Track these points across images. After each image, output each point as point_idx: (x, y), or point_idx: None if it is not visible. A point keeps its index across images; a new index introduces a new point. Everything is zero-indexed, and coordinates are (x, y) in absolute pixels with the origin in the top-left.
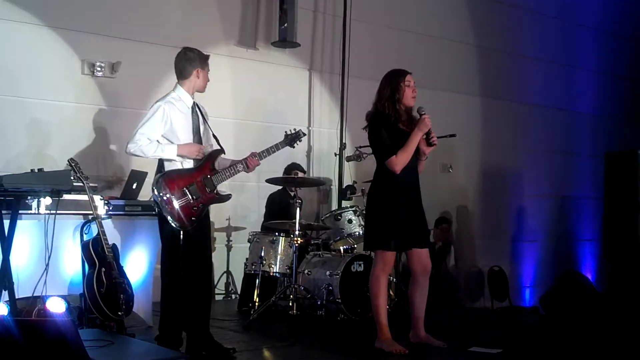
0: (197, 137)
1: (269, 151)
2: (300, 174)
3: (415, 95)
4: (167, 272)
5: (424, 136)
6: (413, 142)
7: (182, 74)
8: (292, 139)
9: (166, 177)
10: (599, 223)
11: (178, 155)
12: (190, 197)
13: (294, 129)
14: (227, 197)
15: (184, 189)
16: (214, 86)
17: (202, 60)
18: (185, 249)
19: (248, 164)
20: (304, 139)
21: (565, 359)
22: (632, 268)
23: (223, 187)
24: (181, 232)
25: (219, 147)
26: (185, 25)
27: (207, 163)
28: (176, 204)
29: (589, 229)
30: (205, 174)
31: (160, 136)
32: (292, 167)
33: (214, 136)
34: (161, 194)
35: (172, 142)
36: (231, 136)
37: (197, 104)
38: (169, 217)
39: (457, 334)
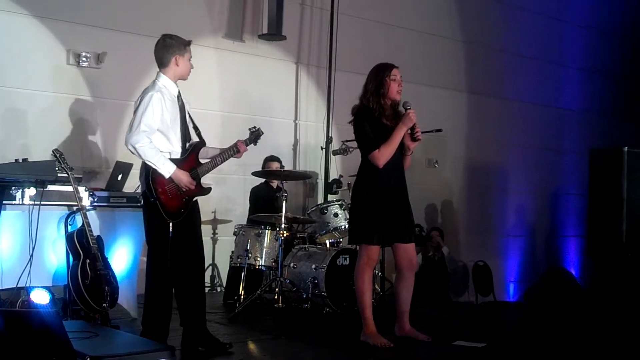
0: (184, 127)
1: (246, 142)
2: (277, 165)
3: (400, 90)
4: (154, 266)
5: (409, 131)
6: (397, 136)
7: (161, 63)
8: (256, 135)
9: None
10: (583, 219)
11: (170, 177)
12: (179, 189)
13: (255, 127)
14: (208, 190)
15: (173, 180)
16: (201, 78)
17: (180, 46)
18: (175, 241)
19: (239, 148)
20: (291, 131)
21: (549, 353)
22: (615, 264)
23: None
24: (170, 225)
25: (199, 139)
26: (172, 16)
27: (192, 155)
28: (166, 195)
29: (573, 225)
30: (191, 165)
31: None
32: (268, 160)
33: (195, 127)
34: (155, 185)
35: (163, 134)
36: (218, 128)
37: (180, 93)
38: (160, 209)
39: (441, 328)
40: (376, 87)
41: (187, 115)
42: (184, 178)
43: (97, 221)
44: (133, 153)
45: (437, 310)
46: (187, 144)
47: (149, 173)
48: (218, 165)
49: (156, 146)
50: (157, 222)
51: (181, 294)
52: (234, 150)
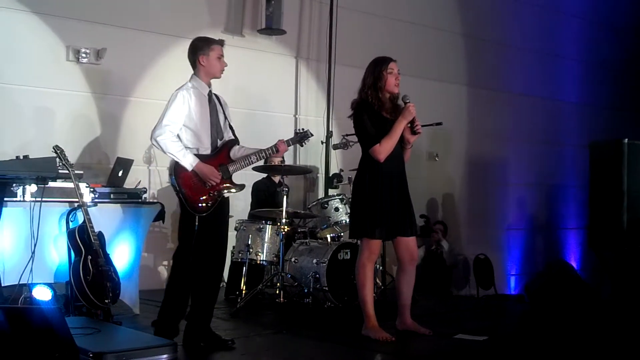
0: (216, 126)
1: (289, 142)
2: (279, 159)
3: (398, 83)
4: (176, 258)
5: (409, 124)
6: (397, 130)
7: (192, 65)
8: (301, 137)
9: None
10: (584, 212)
11: (193, 170)
12: (204, 183)
13: (302, 128)
14: (241, 187)
15: (198, 174)
16: None
17: (204, 47)
18: (200, 235)
19: (278, 147)
20: (291, 126)
21: (550, 346)
22: (616, 256)
23: None
24: (197, 218)
25: (233, 137)
26: (171, 12)
27: (223, 151)
28: (190, 189)
29: (574, 217)
30: (221, 161)
31: (182, 124)
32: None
33: (230, 127)
34: (178, 179)
35: (191, 130)
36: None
37: (214, 94)
38: (184, 202)
39: (443, 321)
40: (374, 81)
41: (221, 115)
42: (206, 171)
43: (98, 217)
44: (156, 147)
45: (438, 304)
46: (219, 142)
47: (173, 166)
48: (252, 163)
49: (181, 141)
50: (183, 214)
51: (195, 289)
52: (273, 150)
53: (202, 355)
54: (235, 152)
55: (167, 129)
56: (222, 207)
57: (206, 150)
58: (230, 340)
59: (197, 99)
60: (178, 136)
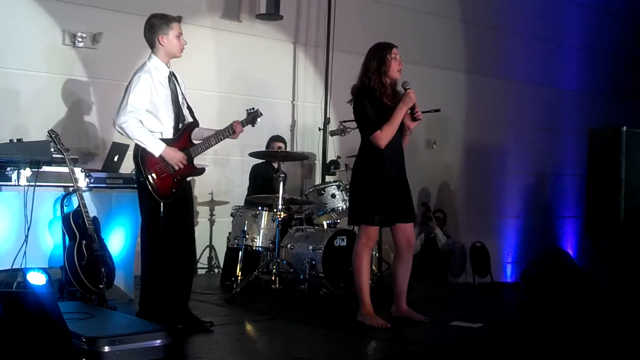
0: (176, 107)
1: (243, 123)
2: (281, 145)
3: (401, 69)
4: (148, 247)
5: (409, 111)
6: (398, 116)
7: (150, 44)
8: (253, 116)
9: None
10: (581, 200)
11: (160, 156)
12: (170, 169)
13: (253, 108)
14: (202, 170)
15: (165, 160)
16: (197, 59)
17: (163, 25)
18: (166, 222)
19: (235, 128)
20: (289, 112)
21: (546, 333)
22: (613, 244)
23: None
24: (161, 205)
25: (192, 120)
26: None
27: (185, 135)
28: (157, 175)
29: (571, 205)
30: (183, 146)
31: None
32: (273, 139)
33: (189, 108)
34: (143, 165)
35: (153, 115)
36: (214, 109)
37: (173, 74)
38: (150, 189)
39: (438, 308)
40: (378, 66)
41: (180, 96)
42: (175, 155)
43: (93, 202)
44: (121, 133)
45: (435, 291)
46: (180, 125)
47: (138, 153)
48: (212, 145)
49: (145, 126)
50: (148, 201)
51: (170, 274)
52: (230, 131)
53: (196, 340)
54: (196, 134)
55: (132, 115)
56: (185, 192)
57: (168, 134)
58: (208, 322)
59: (158, 81)
60: (140, 121)
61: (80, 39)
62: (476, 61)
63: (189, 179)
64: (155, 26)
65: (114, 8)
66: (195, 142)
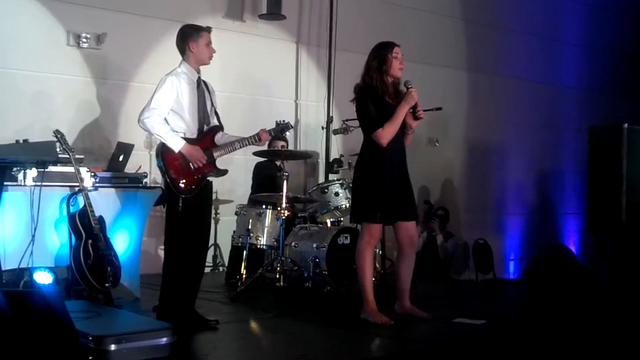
0: (202, 112)
1: (270, 132)
2: (283, 143)
3: (402, 67)
4: (166, 240)
5: (411, 109)
6: (400, 115)
7: (180, 51)
8: (282, 128)
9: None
10: (583, 197)
11: (179, 151)
12: (191, 166)
13: (283, 120)
14: (224, 172)
15: (185, 157)
16: None
17: (193, 33)
18: (184, 218)
19: (260, 136)
20: (292, 111)
21: (549, 330)
22: (615, 241)
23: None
24: (180, 200)
25: (218, 124)
26: None
27: (208, 136)
28: (176, 171)
29: (573, 202)
30: (206, 146)
31: (170, 109)
32: (274, 138)
33: (216, 113)
34: (164, 160)
35: (178, 115)
36: (218, 109)
37: (204, 81)
38: (170, 183)
39: (441, 305)
40: (379, 65)
41: (209, 102)
42: (193, 152)
43: (99, 202)
44: (144, 129)
45: (438, 288)
46: (205, 127)
47: (159, 148)
48: (235, 149)
49: (170, 125)
50: (169, 196)
51: (181, 269)
52: (256, 139)
53: (202, 338)
54: (219, 138)
55: (155, 112)
56: (205, 191)
57: (192, 134)
58: (214, 320)
59: (186, 84)
60: (166, 120)
61: (84, 40)
62: (477, 59)
63: (211, 179)
64: (186, 34)
65: (118, 9)
66: (218, 144)
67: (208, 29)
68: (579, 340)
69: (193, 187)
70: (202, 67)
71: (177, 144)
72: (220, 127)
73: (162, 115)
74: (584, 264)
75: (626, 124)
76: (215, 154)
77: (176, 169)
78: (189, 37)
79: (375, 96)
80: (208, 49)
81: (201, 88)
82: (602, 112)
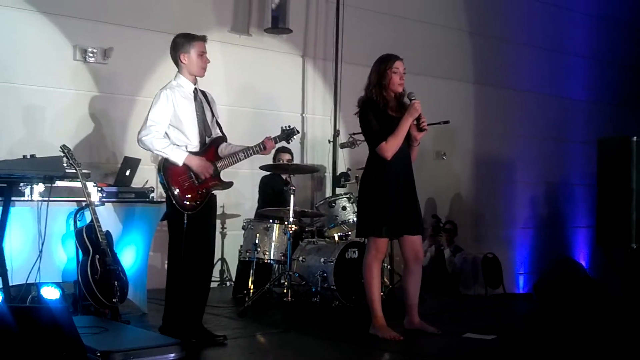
0: (203, 124)
1: (275, 140)
2: (288, 156)
3: (402, 82)
4: (170, 257)
5: (415, 121)
6: (403, 127)
7: (175, 63)
8: (288, 134)
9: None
10: (592, 210)
11: (184, 165)
12: (195, 180)
13: (289, 126)
14: (229, 184)
15: (189, 172)
16: (207, 72)
17: (185, 44)
18: (189, 234)
19: (265, 145)
20: (298, 125)
21: (559, 345)
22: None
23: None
24: (185, 216)
25: (221, 134)
26: (178, 11)
27: (211, 148)
28: (180, 186)
29: (582, 215)
30: (209, 158)
31: (168, 123)
32: (279, 151)
33: (218, 124)
34: (166, 176)
35: (178, 129)
36: (224, 123)
37: (199, 90)
38: (173, 200)
39: (451, 320)
40: (378, 79)
41: (208, 113)
42: (200, 163)
43: (105, 217)
44: (144, 148)
45: (447, 303)
46: (207, 140)
47: (161, 164)
48: (240, 160)
49: (171, 139)
50: (172, 212)
51: (187, 286)
52: (261, 148)
53: (210, 353)
54: (222, 150)
55: (152, 128)
56: (209, 205)
57: (194, 147)
58: (222, 336)
59: (182, 97)
60: (167, 134)
61: (91, 54)
62: (483, 72)
63: (215, 192)
64: (178, 45)
65: (124, 23)
66: (222, 156)
67: (202, 38)
68: (590, 354)
69: (198, 202)
70: (207, 80)
71: (179, 157)
72: (223, 138)
73: (160, 132)
74: (593, 278)
75: (635, 137)
76: (219, 166)
77: (180, 185)
78: (180, 48)
79: (377, 109)
80: (201, 59)
81: (199, 99)
82: (611, 125)
